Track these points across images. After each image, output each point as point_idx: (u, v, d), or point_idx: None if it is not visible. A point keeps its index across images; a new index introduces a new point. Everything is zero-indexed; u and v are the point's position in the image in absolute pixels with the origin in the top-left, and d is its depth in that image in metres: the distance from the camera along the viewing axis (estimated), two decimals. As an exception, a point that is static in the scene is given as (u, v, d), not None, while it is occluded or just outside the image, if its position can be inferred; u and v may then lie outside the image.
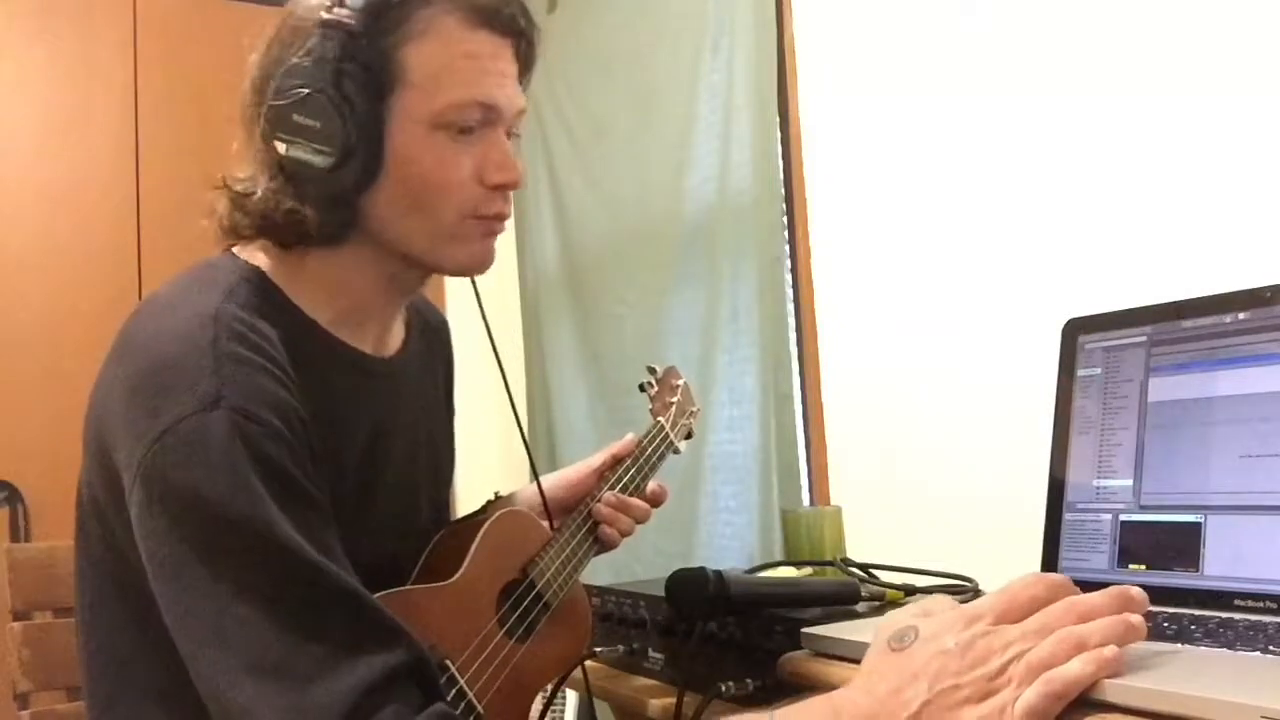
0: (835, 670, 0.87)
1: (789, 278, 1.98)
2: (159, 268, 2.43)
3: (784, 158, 2.00)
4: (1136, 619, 0.69)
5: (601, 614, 1.28)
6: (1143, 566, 0.98)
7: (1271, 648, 0.75)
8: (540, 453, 2.64)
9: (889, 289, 1.77)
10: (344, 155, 0.83)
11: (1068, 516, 1.05)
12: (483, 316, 1.07)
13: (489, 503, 1.17)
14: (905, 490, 1.70)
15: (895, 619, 0.74)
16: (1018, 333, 1.53)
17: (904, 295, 1.74)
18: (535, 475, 1.14)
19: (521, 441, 1.14)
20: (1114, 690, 0.66)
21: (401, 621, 0.76)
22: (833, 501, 1.83)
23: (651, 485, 1.24)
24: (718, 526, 2.12)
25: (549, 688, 1.11)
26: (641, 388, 1.35)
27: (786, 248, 1.99)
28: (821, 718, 0.69)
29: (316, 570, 0.73)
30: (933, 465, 1.66)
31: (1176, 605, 0.92)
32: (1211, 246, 1.31)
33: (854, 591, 1.10)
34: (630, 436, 1.26)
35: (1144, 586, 0.73)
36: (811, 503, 1.93)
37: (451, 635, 0.91)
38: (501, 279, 2.80)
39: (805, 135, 1.94)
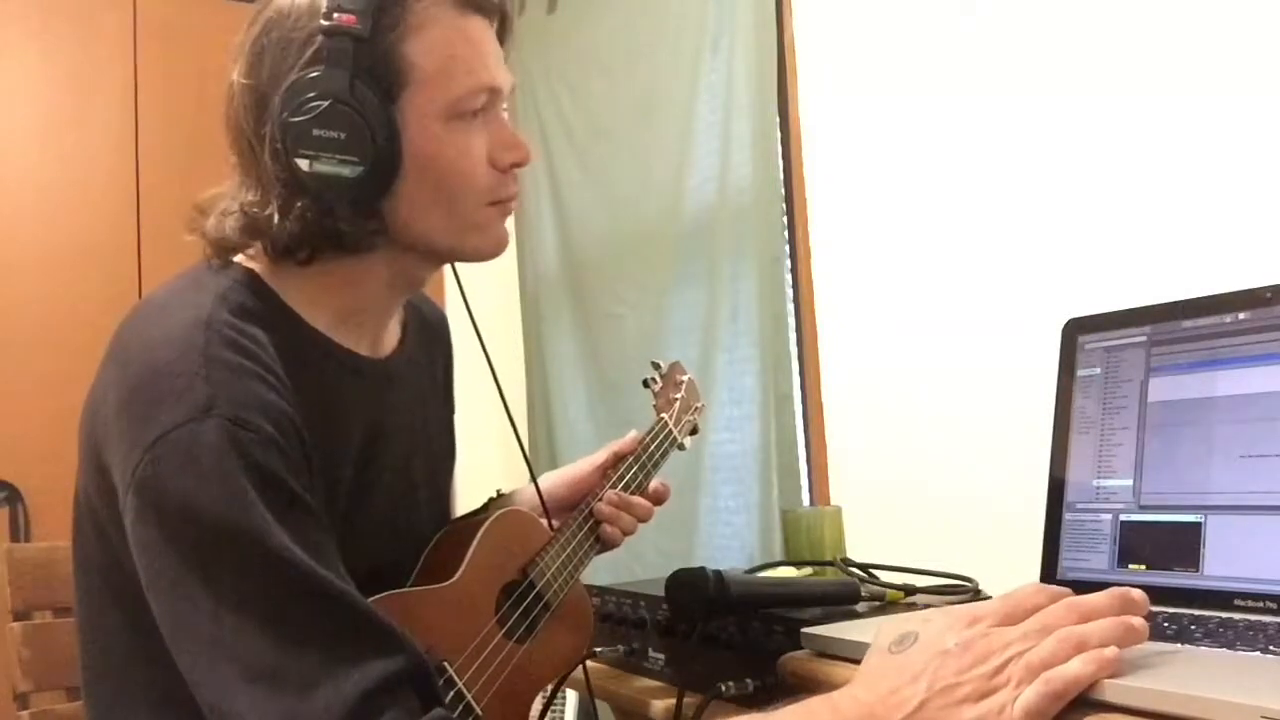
0: (835, 670, 0.87)
1: (789, 278, 1.98)
2: (159, 268, 2.43)
3: (784, 158, 2.00)
4: (1137, 621, 0.69)
5: (601, 614, 1.28)
6: (1143, 566, 0.98)
7: (1271, 648, 0.75)
8: (540, 453, 2.63)
9: (889, 289, 1.77)
10: (371, 162, 0.82)
11: (1068, 516, 1.05)
12: (471, 320, 1.06)
13: (490, 501, 1.17)
14: (905, 490, 1.70)
15: (896, 623, 0.75)
16: (1018, 333, 1.52)
17: (904, 295, 1.74)
18: (533, 476, 1.13)
19: (520, 443, 1.14)
20: (1114, 690, 0.66)
21: (399, 626, 0.75)
22: (833, 501, 1.83)
23: (654, 483, 1.23)
24: (718, 526, 2.12)
25: (549, 688, 1.11)
26: (645, 383, 1.35)
27: (786, 248, 1.99)
28: (821, 717, 0.69)
29: (312, 577, 0.72)
30: (933, 465, 1.66)
31: (1176, 605, 0.92)
32: (1211, 246, 1.31)
33: (854, 591, 1.10)
34: (633, 433, 1.25)
35: (1144, 586, 0.73)
36: (811, 503, 1.93)
37: (450, 637, 0.90)
38: (501, 279, 2.79)
39: (805, 135, 1.94)
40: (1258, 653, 0.74)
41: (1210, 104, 1.32)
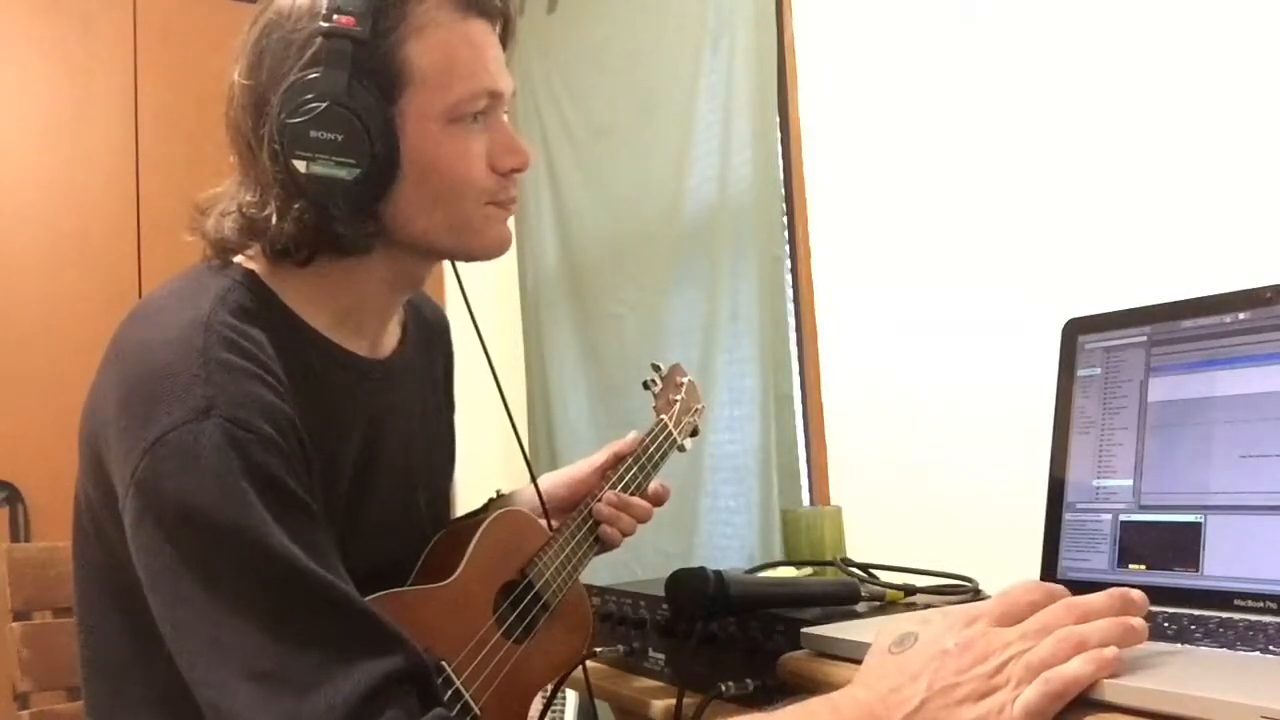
0: (835, 670, 0.87)
1: (789, 278, 1.98)
2: (159, 268, 2.43)
3: (784, 158, 2.00)
4: (1137, 621, 0.69)
5: (601, 614, 1.28)
6: (1143, 566, 0.98)
7: (1271, 648, 0.75)
8: (540, 453, 2.63)
9: (889, 289, 1.77)
10: (368, 164, 0.82)
11: (1068, 516, 1.05)
12: (473, 320, 1.06)
13: (489, 502, 1.17)
14: (905, 490, 1.69)
15: (896, 624, 0.75)
16: (1018, 333, 1.52)
17: (904, 295, 1.74)
18: (533, 477, 1.13)
19: (520, 442, 1.14)
20: (1114, 690, 0.66)
21: (398, 626, 0.76)
22: (833, 501, 1.83)
23: (653, 485, 1.23)
24: (718, 526, 2.12)
25: (549, 687, 1.11)
26: (645, 385, 1.35)
27: (786, 248, 1.99)
28: (821, 715, 0.69)
29: (311, 577, 0.73)
30: (933, 465, 1.66)
31: (1176, 605, 0.92)
32: (1211, 246, 1.31)
33: (854, 591, 1.10)
34: (633, 434, 1.25)
35: (1144, 586, 0.73)
36: (811, 503, 1.93)
37: (448, 636, 0.91)
38: (501, 279, 2.79)
39: (805, 135, 1.94)
40: (1258, 653, 0.74)
41: (1210, 104, 1.32)
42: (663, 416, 1.30)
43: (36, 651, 1.16)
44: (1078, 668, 0.65)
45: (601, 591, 1.31)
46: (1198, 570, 0.93)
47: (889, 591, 1.13)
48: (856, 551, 1.39)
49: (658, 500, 1.23)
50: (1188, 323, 1.00)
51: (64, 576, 1.18)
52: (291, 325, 0.87)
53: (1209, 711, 0.62)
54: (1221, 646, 0.77)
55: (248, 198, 0.85)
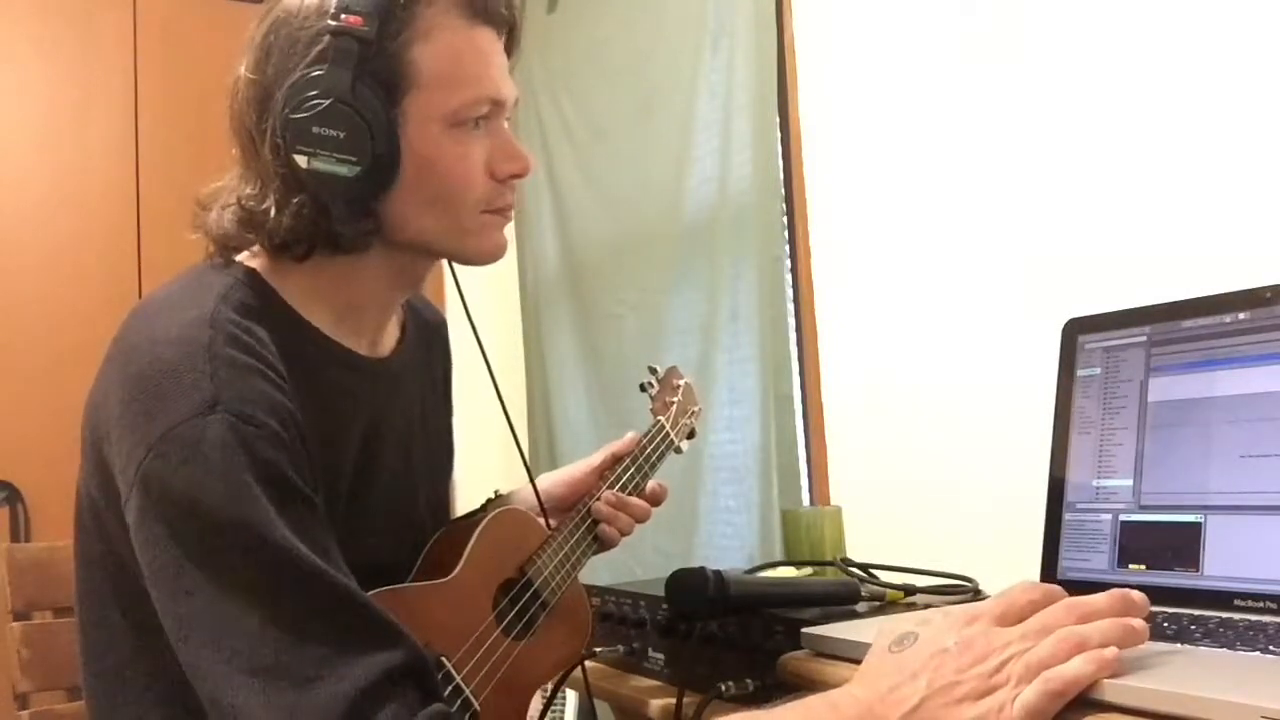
0: (835, 670, 0.87)
1: (789, 278, 1.98)
2: (159, 268, 2.43)
3: (784, 158, 2.00)
4: (1138, 622, 0.69)
5: (601, 614, 1.28)
6: (1143, 566, 0.98)
7: (1271, 648, 0.75)
8: (540, 453, 2.63)
9: (889, 289, 1.77)
10: (369, 162, 0.82)
11: (1068, 516, 1.05)
12: (470, 321, 1.07)
13: (488, 501, 1.17)
14: (905, 490, 1.69)
15: (896, 624, 0.75)
16: (1018, 333, 1.52)
17: (904, 295, 1.74)
18: (531, 477, 1.14)
19: (518, 442, 1.14)
20: (1114, 690, 0.66)
21: (399, 621, 0.76)
22: (833, 501, 1.83)
23: (651, 484, 1.24)
24: (718, 526, 2.12)
25: (549, 687, 1.11)
26: (642, 387, 1.35)
27: (786, 248, 1.99)
28: (820, 714, 0.69)
29: (313, 573, 0.73)
30: (933, 465, 1.66)
31: (1176, 605, 0.92)
32: (1211, 246, 1.31)
33: (854, 591, 1.10)
34: (631, 435, 1.25)
35: (1144, 586, 0.73)
36: (811, 503, 1.93)
37: (447, 633, 0.91)
38: (501, 279, 2.79)
39: (805, 135, 1.94)
40: (1258, 653, 0.74)
41: (1210, 104, 1.32)
42: (660, 418, 1.30)
43: (36, 651, 1.16)
44: (1078, 667, 0.65)
45: (601, 591, 1.31)
46: (1198, 570, 0.93)
47: (889, 591, 1.13)
48: (856, 551, 1.39)
49: (655, 500, 1.23)
50: (1188, 323, 1.00)
51: (64, 576, 1.18)
52: (292, 322, 0.87)
53: (1209, 711, 0.62)
54: (1221, 646, 0.77)
55: (248, 190, 0.86)
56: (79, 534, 0.87)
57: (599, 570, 1.24)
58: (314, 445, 0.81)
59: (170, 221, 2.52)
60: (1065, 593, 0.72)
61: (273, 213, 0.84)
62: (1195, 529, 0.94)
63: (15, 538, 2.23)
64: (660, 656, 1.19)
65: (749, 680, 1.00)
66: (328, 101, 0.81)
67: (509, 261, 2.80)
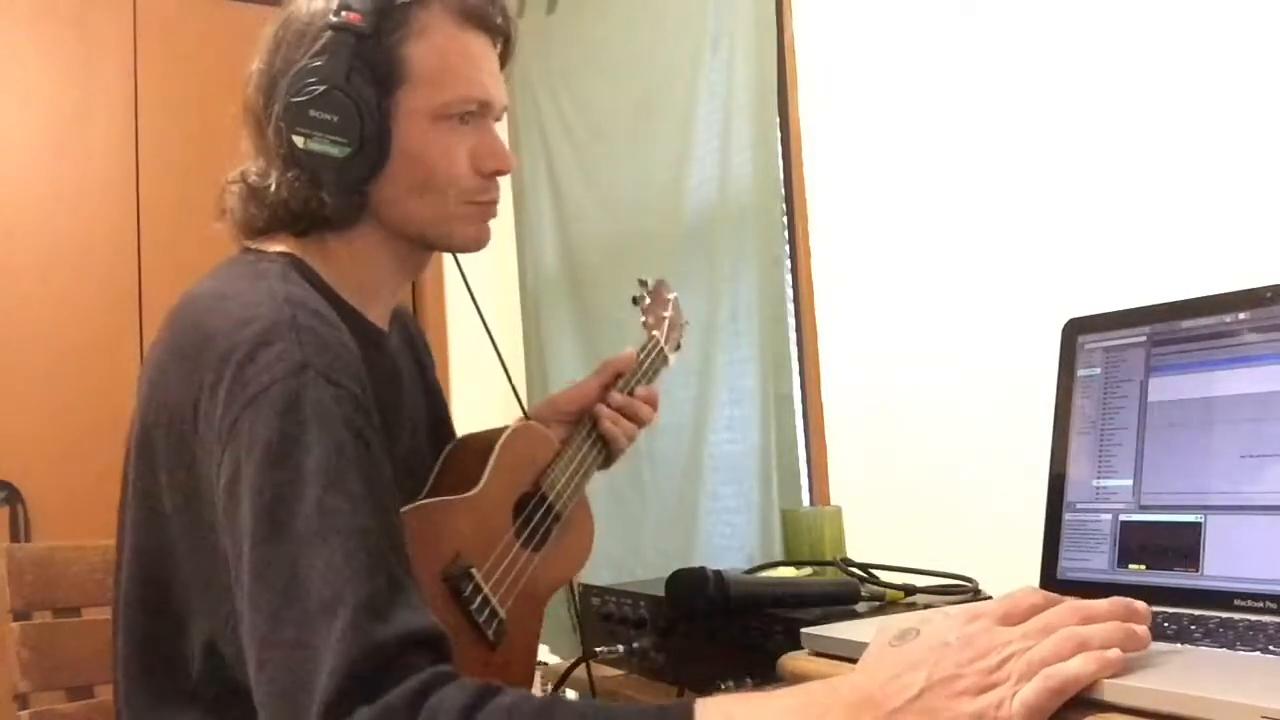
0: (835, 670, 0.87)
1: (789, 278, 1.98)
2: (159, 268, 2.43)
3: (784, 158, 2.00)
4: (1140, 629, 0.69)
5: (601, 614, 1.28)
6: (1143, 566, 0.98)
7: (1271, 648, 0.75)
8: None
9: (889, 289, 1.77)
10: (359, 145, 0.90)
11: (1068, 516, 1.05)
12: (480, 316, 1.12)
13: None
14: (905, 490, 1.70)
15: (897, 621, 0.75)
16: (1018, 333, 1.53)
17: (904, 295, 1.74)
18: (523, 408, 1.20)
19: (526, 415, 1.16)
20: (1114, 690, 0.66)
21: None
22: (833, 501, 1.83)
23: (640, 390, 1.28)
24: (718, 526, 2.12)
25: (549, 687, 1.12)
26: (635, 300, 1.38)
27: (786, 248, 1.99)
28: (819, 697, 0.70)
29: (384, 522, 0.76)
30: (933, 465, 1.66)
31: (1176, 605, 0.92)
32: (1211, 246, 1.31)
33: (854, 591, 1.10)
34: (629, 350, 1.30)
35: (1144, 586, 0.73)
36: (811, 503, 1.93)
37: (475, 545, 0.96)
38: (501, 279, 2.79)
39: (805, 135, 1.94)
40: (1258, 653, 0.74)
41: (1210, 104, 1.32)
42: (654, 333, 1.35)
43: (36, 651, 1.15)
44: (1079, 665, 0.65)
45: (601, 591, 1.31)
46: (1198, 570, 0.93)
47: (889, 591, 1.13)
48: (856, 551, 1.39)
49: (650, 402, 1.29)
50: (1188, 323, 1.00)
51: (64, 576, 1.19)
52: (333, 299, 0.93)
53: (1209, 711, 0.62)
54: (1221, 646, 0.77)
55: (253, 169, 0.94)
56: (126, 526, 0.89)
57: (599, 570, 1.25)
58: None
59: (170, 221, 2.53)
60: (1068, 600, 0.72)
61: (273, 188, 0.92)
62: (1195, 529, 0.94)
63: (15, 538, 2.23)
64: (660, 656, 1.19)
65: (749, 680, 1.00)
66: (324, 88, 0.89)
67: (509, 261, 2.81)
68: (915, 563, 1.25)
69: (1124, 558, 0.99)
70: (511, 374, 1.18)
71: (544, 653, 1.64)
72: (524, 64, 2.66)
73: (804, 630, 0.94)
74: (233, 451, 0.77)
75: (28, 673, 1.15)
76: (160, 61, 2.49)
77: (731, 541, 2.08)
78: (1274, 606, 0.87)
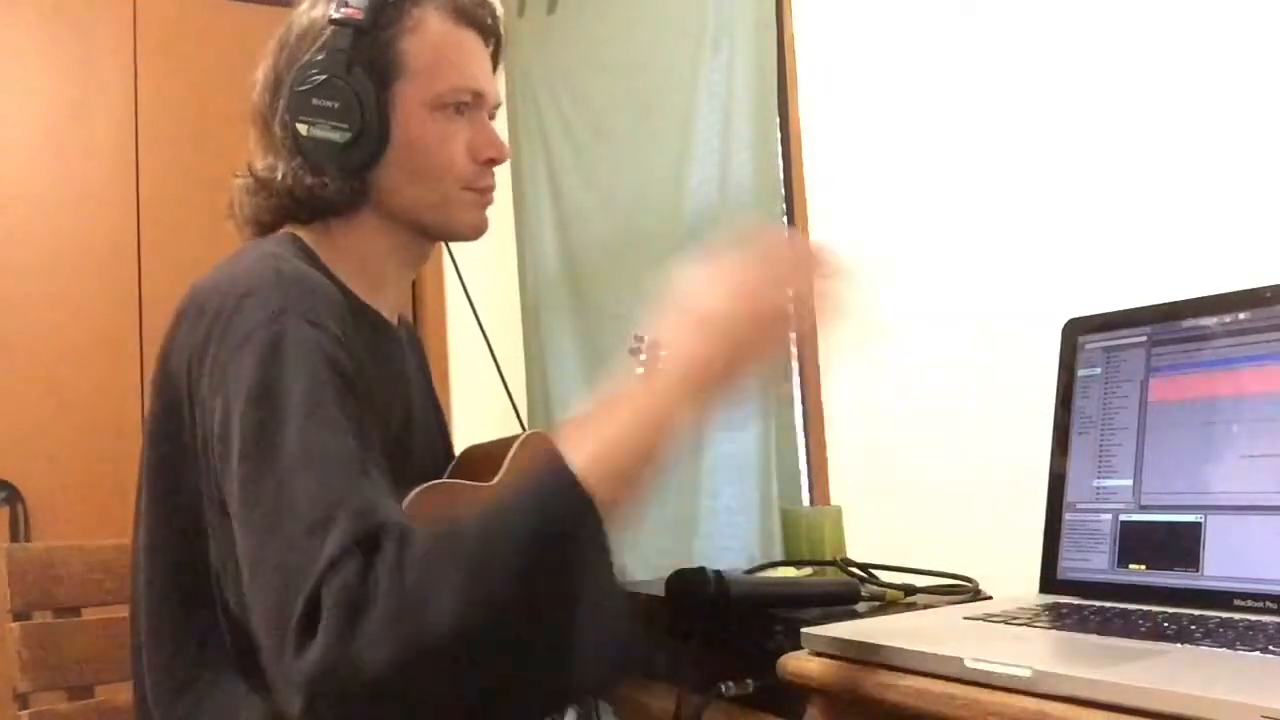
0: (836, 670, 0.87)
1: (789, 278, 1.98)
2: (159, 268, 2.43)
3: (784, 158, 2.00)
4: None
5: (601, 614, 1.27)
6: (1143, 566, 0.98)
7: (1271, 648, 0.75)
8: (540, 453, 2.63)
9: (889, 289, 1.77)
10: (359, 131, 0.94)
11: (1068, 516, 1.05)
12: (476, 318, 1.12)
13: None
14: (905, 490, 1.69)
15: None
16: (1017, 333, 1.53)
17: (904, 296, 1.74)
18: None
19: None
20: (1114, 690, 0.66)
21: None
22: (833, 501, 1.83)
23: None
24: (718, 526, 2.12)
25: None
26: (631, 352, 1.38)
27: (787, 248, 1.99)
28: (653, 389, 0.81)
29: (360, 451, 0.78)
30: (933, 465, 1.66)
31: (1176, 605, 0.92)
32: (1211, 246, 1.31)
33: (854, 591, 1.10)
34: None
35: (1144, 586, 0.73)
36: (811, 503, 1.93)
37: None
38: (501, 279, 2.79)
39: (805, 135, 1.94)
40: (1258, 653, 0.74)
41: (1210, 103, 1.32)
42: None
43: (36, 651, 1.16)
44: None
45: (601, 591, 1.30)
46: (1198, 570, 0.93)
47: (889, 591, 1.13)
48: (856, 551, 1.39)
49: None
50: (1188, 323, 1.00)
51: (64, 576, 1.19)
52: (332, 277, 0.95)
53: (1209, 711, 0.62)
54: (1221, 646, 0.77)
55: (260, 162, 0.99)
56: (152, 515, 0.91)
57: (599, 570, 1.24)
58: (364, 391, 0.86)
59: (170, 221, 2.53)
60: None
61: (279, 177, 0.96)
62: (1195, 529, 0.94)
63: (15, 538, 2.23)
64: (660, 656, 1.19)
65: (749, 680, 1.00)
66: (325, 77, 0.94)
67: (509, 261, 2.81)
68: (915, 563, 1.25)
69: (1124, 558, 0.99)
70: (511, 375, 1.19)
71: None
72: (524, 64, 2.67)
73: (804, 630, 0.94)
74: (223, 397, 0.80)
75: (28, 673, 1.15)
76: (160, 61, 2.49)
77: (731, 541, 2.08)
78: (1274, 606, 0.87)
